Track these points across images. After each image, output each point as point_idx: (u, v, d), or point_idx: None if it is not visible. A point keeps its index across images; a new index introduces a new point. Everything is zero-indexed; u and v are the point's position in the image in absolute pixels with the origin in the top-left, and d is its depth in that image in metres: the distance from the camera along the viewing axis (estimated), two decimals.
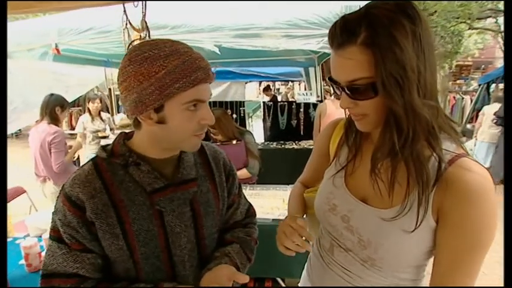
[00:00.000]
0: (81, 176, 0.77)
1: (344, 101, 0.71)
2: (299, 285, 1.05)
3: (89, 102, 3.94)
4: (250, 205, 1.07)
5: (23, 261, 1.56)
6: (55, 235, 0.77)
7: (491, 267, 2.83)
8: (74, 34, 2.38)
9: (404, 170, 0.69)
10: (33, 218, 2.22)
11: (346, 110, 0.76)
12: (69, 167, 2.75)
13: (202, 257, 0.88)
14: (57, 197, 0.78)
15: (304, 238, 0.77)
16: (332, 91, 3.44)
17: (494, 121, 5.26)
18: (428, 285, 0.72)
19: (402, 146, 0.65)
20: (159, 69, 0.68)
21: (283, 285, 2.30)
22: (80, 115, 4.05)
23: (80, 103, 9.34)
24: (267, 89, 8.56)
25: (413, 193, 0.67)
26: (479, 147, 5.79)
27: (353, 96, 0.68)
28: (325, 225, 0.87)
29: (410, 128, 0.64)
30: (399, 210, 0.69)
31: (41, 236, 1.72)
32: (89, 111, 3.94)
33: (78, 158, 3.14)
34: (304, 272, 1.03)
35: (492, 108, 5.71)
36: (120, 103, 8.24)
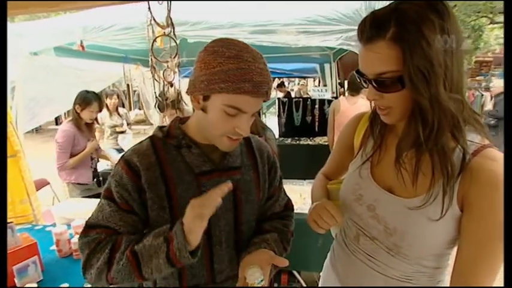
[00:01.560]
0: (140, 149, 0.85)
1: (370, 93, 0.73)
2: (321, 274, 1.08)
3: (106, 98, 4.03)
4: (289, 199, 1.10)
5: (53, 247, 1.64)
6: (107, 194, 0.83)
7: None
8: (98, 31, 2.45)
9: (429, 161, 0.71)
10: (58, 208, 2.33)
11: (372, 102, 0.78)
12: (81, 165, 2.68)
13: (238, 241, 0.92)
14: (116, 164, 0.85)
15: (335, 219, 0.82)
16: (346, 88, 3.42)
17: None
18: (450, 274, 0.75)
19: (427, 138, 0.68)
20: (216, 65, 0.74)
21: (299, 278, 2.32)
22: (100, 111, 4.14)
23: (104, 97, 9.54)
24: (281, 85, 8.54)
25: (438, 183, 0.69)
26: None
27: (379, 89, 0.70)
28: (351, 215, 0.90)
29: (435, 120, 0.66)
30: (425, 199, 0.71)
31: (69, 224, 1.80)
32: (107, 106, 4.02)
33: (97, 159, 3.07)
34: (326, 262, 1.06)
35: None
36: (134, 99, 8.41)
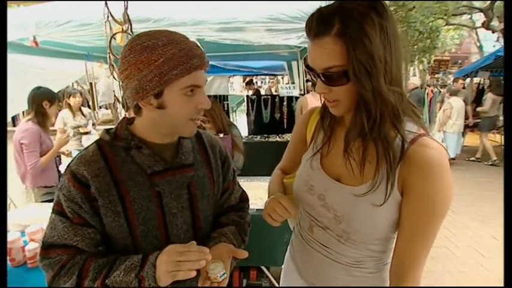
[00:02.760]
0: (86, 156, 0.82)
1: (319, 86, 0.77)
2: (283, 267, 1.11)
3: (69, 97, 3.84)
4: (243, 191, 1.12)
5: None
6: (58, 209, 0.80)
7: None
8: (53, 26, 2.33)
9: (373, 149, 0.76)
10: (13, 215, 2.19)
11: (321, 96, 0.82)
12: (48, 166, 2.55)
13: (197, 238, 0.91)
14: (63, 174, 0.82)
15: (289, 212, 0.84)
16: (311, 84, 3.50)
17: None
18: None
19: (371, 128, 0.72)
20: (158, 58, 0.73)
21: (268, 273, 2.36)
22: (59, 110, 3.91)
23: (66, 96, 9.05)
24: (249, 83, 8.56)
25: (382, 170, 0.74)
26: (449, 138, 5.96)
27: (327, 83, 0.74)
28: (304, 206, 0.94)
29: (378, 111, 0.71)
30: (369, 186, 0.76)
31: (24, 231, 1.70)
32: (69, 106, 3.84)
33: (59, 156, 2.95)
34: (287, 255, 1.09)
35: (456, 102, 5.91)
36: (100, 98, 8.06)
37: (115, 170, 0.81)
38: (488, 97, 6.23)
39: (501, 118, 6.22)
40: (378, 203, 0.75)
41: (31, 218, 1.96)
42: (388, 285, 0.84)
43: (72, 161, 0.83)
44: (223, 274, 0.82)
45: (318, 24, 0.70)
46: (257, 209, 2.09)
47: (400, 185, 0.75)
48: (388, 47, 0.69)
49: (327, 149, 0.89)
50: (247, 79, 9.36)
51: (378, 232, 0.80)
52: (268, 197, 1.01)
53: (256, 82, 14.62)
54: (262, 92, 9.31)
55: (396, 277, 0.79)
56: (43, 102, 2.46)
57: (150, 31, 0.78)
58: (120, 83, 0.81)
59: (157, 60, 0.73)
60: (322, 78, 0.74)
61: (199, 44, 0.80)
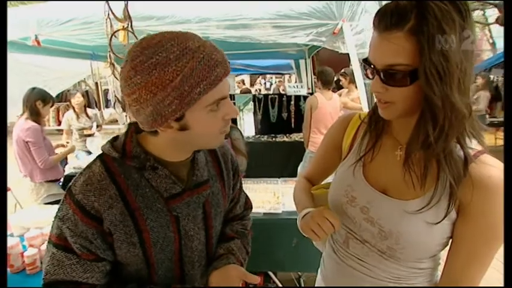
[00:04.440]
0: (92, 181, 0.70)
1: (376, 84, 0.70)
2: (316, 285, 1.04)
3: (70, 98, 3.82)
4: (247, 197, 1.06)
5: None
6: (61, 243, 0.70)
7: None
8: (55, 25, 2.29)
9: (430, 163, 0.69)
10: (18, 216, 2.15)
11: (374, 95, 0.75)
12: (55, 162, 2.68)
13: (209, 255, 0.87)
14: (62, 201, 0.71)
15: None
16: (320, 82, 3.42)
17: None
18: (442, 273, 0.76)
19: (437, 139, 0.65)
20: (173, 76, 0.60)
21: (275, 279, 2.29)
22: (67, 110, 3.89)
23: (68, 98, 9.13)
24: (239, 82, 8.51)
25: (441, 186, 0.69)
26: None
27: (386, 81, 0.67)
28: (341, 218, 0.86)
29: (446, 121, 0.64)
30: (424, 203, 0.69)
31: (23, 235, 1.65)
32: (73, 108, 3.80)
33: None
34: (318, 276, 1.02)
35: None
36: (108, 98, 8.10)
37: (129, 196, 0.71)
38: (482, 95, 6.17)
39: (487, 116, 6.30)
40: (432, 221, 0.70)
41: (33, 220, 1.92)
42: None
43: (74, 183, 0.71)
44: None
45: (390, 17, 0.63)
46: (264, 213, 2.02)
47: (456, 203, 0.69)
48: (465, 52, 0.62)
49: (371, 158, 0.82)
50: (239, 78, 9.31)
51: (427, 250, 0.75)
52: (297, 208, 0.95)
53: (265, 83, 14.57)
54: (271, 91, 9.26)
55: None
56: (36, 102, 2.51)
57: (153, 39, 0.63)
58: (128, 107, 0.68)
59: (174, 79, 0.60)
60: (382, 76, 0.67)
61: (215, 45, 0.66)
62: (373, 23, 0.67)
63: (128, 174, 0.72)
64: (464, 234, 0.70)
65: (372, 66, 0.68)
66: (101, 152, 0.76)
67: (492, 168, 0.67)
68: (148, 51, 0.61)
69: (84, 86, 8.98)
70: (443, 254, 0.77)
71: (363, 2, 2.15)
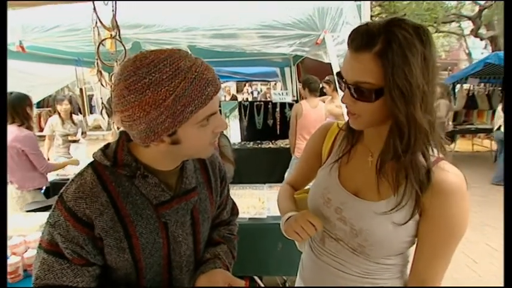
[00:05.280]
0: (84, 188, 0.72)
1: (346, 97, 0.78)
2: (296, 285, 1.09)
3: (57, 104, 3.77)
4: (234, 203, 1.09)
5: None
6: (52, 249, 0.71)
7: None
8: (40, 31, 2.28)
9: (393, 169, 0.77)
10: None
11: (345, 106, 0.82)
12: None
13: (196, 261, 0.89)
14: (53, 208, 0.73)
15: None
16: (307, 90, 3.51)
17: None
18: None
19: (405, 151, 0.73)
20: (166, 96, 0.62)
21: (261, 282, 2.32)
22: (50, 116, 3.83)
23: (50, 103, 8.92)
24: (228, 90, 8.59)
25: (408, 191, 0.75)
26: None
27: (355, 96, 0.75)
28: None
29: (411, 137, 0.71)
30: (392, 205, 0.77)
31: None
32: (59, 113, 3.76)
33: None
34: (298, 276, 1.07)
35: None
36: (92, 104, 7.98)
37: (120, 203, 0.73)
38: (442, 103, 6.45)
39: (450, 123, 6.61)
40: (399, 222, 0.77)
41: (16, 228, 1.89)
42: None
43: (66, 190, 0.73)
44: None
45: (361, 38, 0.71)
46: (249, 218, 2.06)
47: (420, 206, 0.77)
48: (426, 76, 0.69)
49: (346, 164, 0.90)
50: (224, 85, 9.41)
51: (393, 248, 0.82)
52: (280, 212, 1.01)
53: (252, 92, 14.66)
54: (258, 98, 9.37)
55: None
56: (26, 107, 2.48)
57: (146, 58, 0.65)
58: (119, 120, 0.70)
59: (167, 98, 0.63)
60: (351, 90, 0.75)
61: (207, 64, 0.70)
62: (347, 42, 0.75)
63: (118, 182, 0.74)
64: (426, 234, 0.78)
65: (344, 80, 0.76)
66: (89, 159, 0.79)
67: (448, 173, 0.74)
68: (141, 71, 0.63)
69: (67, 91, 8.82)
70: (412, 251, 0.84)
71: (344, 14, 2.25)
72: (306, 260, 1.02)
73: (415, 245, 0.82)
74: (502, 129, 5.44)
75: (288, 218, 0.91)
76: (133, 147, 0.77)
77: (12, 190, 2.59)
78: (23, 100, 2.48)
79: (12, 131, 2.47)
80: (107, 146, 0.79)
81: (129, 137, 0.76)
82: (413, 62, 0.67)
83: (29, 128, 2.52)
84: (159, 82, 0.62)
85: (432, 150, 0.76)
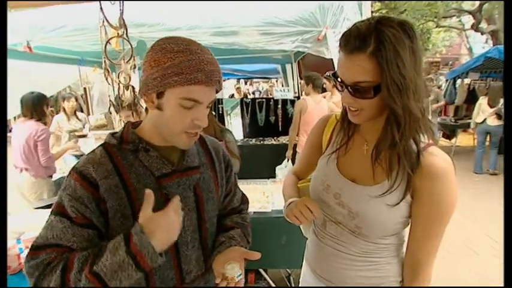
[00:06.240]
0: (93, 158, 0.81)
1: (346, 97, 0.83)
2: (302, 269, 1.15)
3: (63, 101, 3.83)
4: (243, 193, 1.14)
5: None
6: (59, 210, 0.77)
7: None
8: (47, 32, 2.32)
9: (387, 156, 0.83)
10: (11, 222, 2.15)
11: (344, 105, 0.89)
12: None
13: (203, 239, 0.93)
14: (67, 176, 0.80)
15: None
16: (311, 86, 3.55)
17: None
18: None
19: (400, 139, 0.79)
20: (166, 60, 0.75)
21: (266, 276, 2.36)
22: (53, 115, 3.88)
23: (52, 104, 8.95)
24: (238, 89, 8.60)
25: (400, 175, 0.82)
26: None
27: (355, 95, 0.80)
28: (319, 204, 0.98)
29: (407, 125, 0.78)
30: (385, 189, 0.83)
31: (19, 238, 1.68)
32: (64, 110, 3.82)
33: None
34: (304, 261, 1.14)
35: None
36: (95, 103, 8.00)
37: (124, 172, 0.81)
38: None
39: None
40: (391, 204, 0.84)
41: (27, 225, 1.94)
42: (397, 272, 0.93)
43: (77, 163, 0.82)
44: (240, 275, 0.84)
45: (354, 41, 0.76)
46: (254, 212, 2.10)
47: (411, 189, 0.83)
48: (416, 68, 0.76)
49: (344, 152, 0.96)
50: (238, 84, 9.42)
51: (388, 228, 0.88)
52: (285, 200, 1.07)
53: (254, 92, 14.65)
54: (261, 95, 9.38)
55: (412, 270, 0.90)
56: (43, 106, 2.71)
57: (174, 36, 0.80)
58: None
59: (166, 62, 0.75)
60: (351, 90, 0.80)
61: (214, 60, 0.80)
62: (340, 45, 0.80)
63: (124, 156, 0.84)
64: (418, 214, 0.85)
65: (341, 81, 0.81)
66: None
67: (436, 157, 0.81)
68: (166, 40, 0.78)
69: (69, 91, 8.85)
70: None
71: (344, 11, 2.28)
72: (310, 244, 1.09)
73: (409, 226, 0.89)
74: (488, 122, 5.60)
75: (289, 204, 0.98)
76: (137, 129, 0.88)
77: (28, 177, 2.83)
78: (42, 99, 2.74)
79: (31, 125, 2.72)
80: (115, 132, 0.89)
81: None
82: (404, 56, 0.73)
83: (45, 123, 2.78)
84: (169, 50, 0.76)
85: (424, 136, 0.82)
